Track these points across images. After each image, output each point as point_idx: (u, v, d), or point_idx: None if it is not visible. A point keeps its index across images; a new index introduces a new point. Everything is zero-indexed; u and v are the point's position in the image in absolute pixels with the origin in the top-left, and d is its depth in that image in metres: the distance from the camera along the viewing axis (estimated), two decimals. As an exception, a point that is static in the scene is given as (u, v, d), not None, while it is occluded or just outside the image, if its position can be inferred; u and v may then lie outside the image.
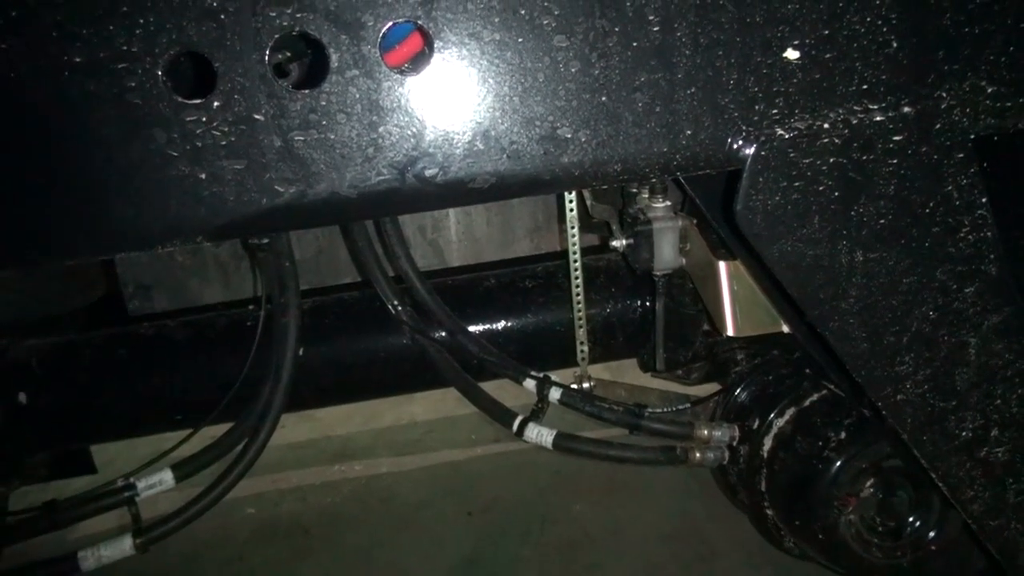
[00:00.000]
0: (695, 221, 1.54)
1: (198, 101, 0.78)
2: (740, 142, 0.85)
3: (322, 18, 0.78)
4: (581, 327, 1.83)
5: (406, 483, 2.58)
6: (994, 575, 1.44)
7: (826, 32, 0.83)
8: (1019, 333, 0.95)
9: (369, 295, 1.88)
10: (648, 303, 1.92)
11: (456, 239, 2.86)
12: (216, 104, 0.79)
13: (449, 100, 0.82)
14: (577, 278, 1.78)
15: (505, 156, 0.83)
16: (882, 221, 0.88)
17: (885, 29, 0.84)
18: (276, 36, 0.78)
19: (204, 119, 0.79)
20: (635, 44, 0.82)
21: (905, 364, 0.94)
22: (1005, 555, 1.03)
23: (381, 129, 0.82)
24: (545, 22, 0.81)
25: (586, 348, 1.84)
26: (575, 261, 1.76)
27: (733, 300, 1.43)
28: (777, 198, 0.86)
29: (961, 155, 0.88)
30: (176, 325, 1.91)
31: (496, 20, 0.80)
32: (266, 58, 0.78)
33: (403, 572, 2.12)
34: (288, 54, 0.87)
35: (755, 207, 0.86)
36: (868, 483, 1.43)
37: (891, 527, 1.45)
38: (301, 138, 0.80)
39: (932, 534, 1.45)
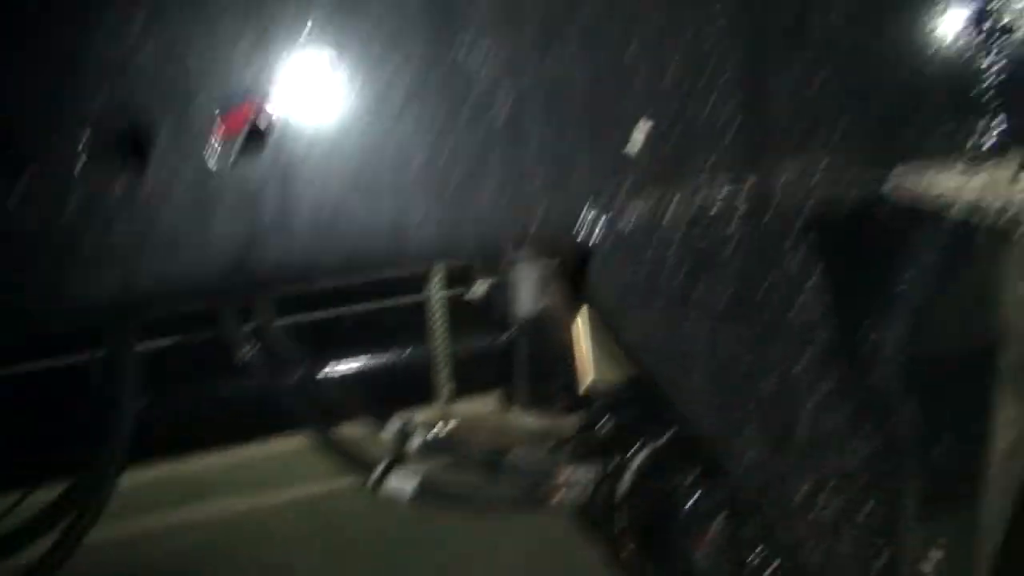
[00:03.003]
0: (555, 267, 1.54)
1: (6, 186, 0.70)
2: (591, 220, 0.85)
3: (148, 102, 0.71)
4: (444, 365, 1.80)
5: (265, 521, 2.46)
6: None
7: (674, 110, 0.85)
8: (851, 395, 1.00)
9: (215, 337, 1.77)
10: (509, 339, 1.91)
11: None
12: (25, 191, 0.70)
13: (289, 182, 0.77)
14: (439, 316, 1.76)
15: (352, 237, 0.79)
16: (726, 295, 0.91)
17: (726, 109, 0.86)
18: (94, 119, 0.70)
19: (14, 206, 0.70)
20: (488, 123, 0.80)
21: (750, 431, 0.97)
22: (841, 599, 1.09)
23: (218, 213, 0.75)
24: (395, 98, 0.77)
25: (448, 386, 1.82)
26: (437, 299, 1.73)
27: (592, 347, 1.45)
28: (628, 274, 0.87)
29: (798, 232, 0.91)
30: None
31: (340, 99, 0.76)
32: (83, 143, 0.70)
33: (262, 620, 2.02)
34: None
35: (607, 284, 0.87)
36: (721, 518, 1.48)
37: (738, 561, 1.50)
38: (124, 227, 0.73)
39: (776, 564, 1.52)
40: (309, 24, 0.74)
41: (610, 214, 0.85)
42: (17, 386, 1.73)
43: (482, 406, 2.08)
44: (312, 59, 0.75)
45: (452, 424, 1.80)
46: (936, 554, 1.12)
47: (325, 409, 1.76)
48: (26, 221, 0.71)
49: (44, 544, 1.57)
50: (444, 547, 2.26)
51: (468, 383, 1.92)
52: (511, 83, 0.80)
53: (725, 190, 0.88)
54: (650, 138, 0.85)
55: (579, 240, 0.86)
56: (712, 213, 0.88)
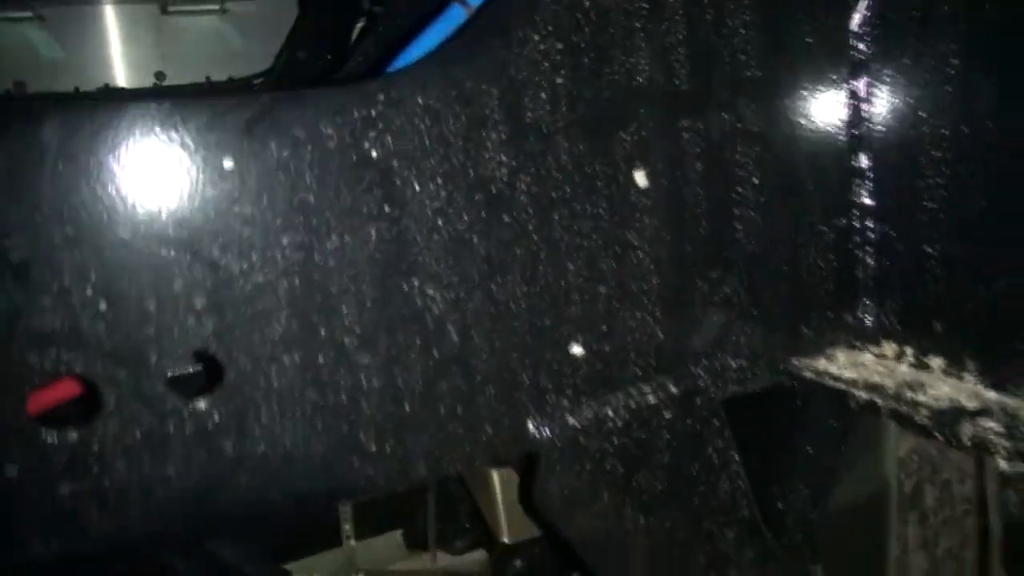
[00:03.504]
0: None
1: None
2: (535, 432, 0.89)
3: (94, 356, 0.70)
4: (346, 508, 1.76)
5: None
6: None
7: (603, 327, 0.91)
8: (767, 561, 1.08)
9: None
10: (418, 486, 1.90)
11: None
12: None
13: (243, 425, 0.76)
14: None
15: (308, 476, 0.79)
16: (659, 487, 0.97)
17: (651, 322, 0.94)
18: (38, 376, 0.68)
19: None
20: (436, 353, 0.83)
21: (683, 607, 1.03)
22: None
23: (167, 467, 0.74)
24: (347, 340, 0.79)
25: (352, 530, 1.78)
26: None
27: (507, 508, 1.47)
28: (570, 479, 0.91)
29: (717, 422, 1.00)
30: None
31: (294, 341, 0.77)
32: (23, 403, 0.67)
33: None
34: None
35: (550, 490, 0.91)
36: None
37: None
38: (68, 488, 0.70)
39: None
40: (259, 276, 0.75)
41: (553, 425, 0.90)
42: None
43: (387, 546, 2.04)
44: (263, 309, 0.76)
45: (359, 574, 1.76)
46: None
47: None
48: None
49: None
50: None
51: (372, 525, 1.88)
52: (457, 318, 0.84)
53: (652, 395, 0.95)
54: (585, 355, 0.91)
55: (525, 449, 0.89)
56: (643, 416, 0.94)
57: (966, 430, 0.86)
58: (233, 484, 0.77)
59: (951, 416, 0.89)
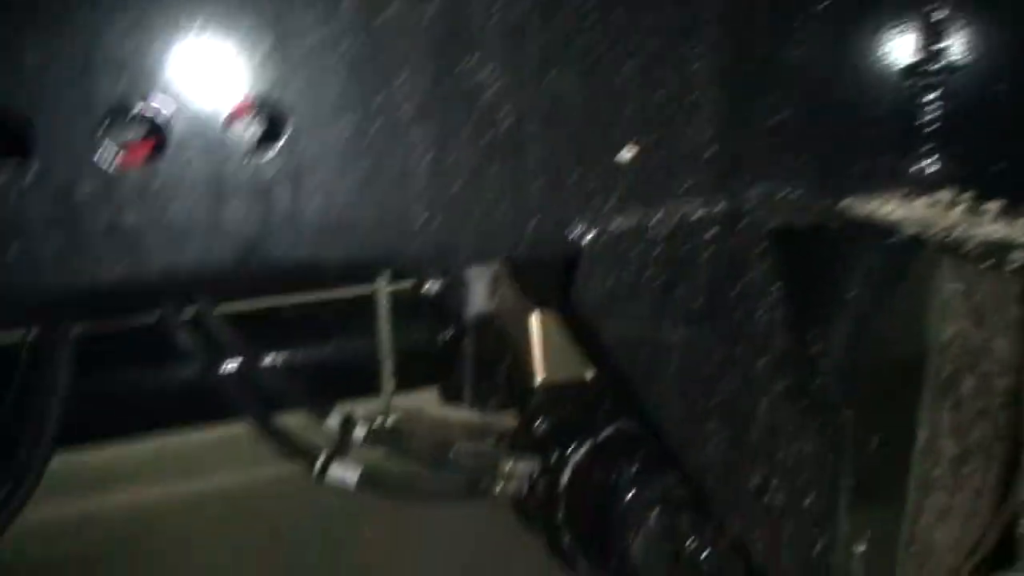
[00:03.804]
0: (508, 268, 1.59)
1: (10, 167, 0.69)
2: (580, 231, 0.90)
3: (162, 88, 0.72)
4: (387, 360, 1.81)
5: (178, 513, 2.39)
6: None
7: (656, 136, 0.91)
8: (799, 396, 1.10)
9: (153, 323, 1.73)
10: (451, 335, 1.95)
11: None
12: (32, 172, 0.69)
13: (299, 181, 0.78)
14: (385, 309, 1.77)
15: (356, 240, 0.81)
16: (697, 303, 0.98)
17: (705, 136, 0.93)
18: (108, 104, 0.70)
19: (18, 186, 0.69)
20: (487, 136, 0.84)
21: (710, 427, 1.05)
22: (779, 584, 1.18)
23: (224, 209, 0.76)
24: (402, 109, 0.80)
25: (391, 381, 1.83)
26: (383, 292, 1.74)
27: (543, 348, 1.50)
28: (610, 283, 0.93)
29: (761, 246, 1.00)
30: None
31: (352, 103, 0.78)
32: (96, 125, 0.70)
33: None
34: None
35: (590, 290, 0.92)
36: (656, 511, 1.57)
37: (674, 550, 1.59)
38: (133, 216, 0.73)
39: (705, 555, 1.61)
40: (322, 33, 0.76)
41: (598, 225, 0.90)
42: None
43: (424, 401, 2.10)
44: (325, 65, 0.77)
45: (394, 417, 1.82)
46: (863, 543, 1.23)
47: (266, 398, 1.75)
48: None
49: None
50: (370, 543, 2.26)
51: (411, 377, 1.94)
52: (513, 101, 0.84)
53: (699, 210, 0.95)
54: (636, 160, 0.91)
55: (568, 247, 0.91)
56: (688, 229, 0.95)
57: (1017, 256, 0.85)
58: (285, 238, 0.79)
59: (1001, 246, 0.87)
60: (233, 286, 0.79)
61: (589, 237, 0.90)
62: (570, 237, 0.90)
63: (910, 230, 0.95)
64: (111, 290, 0.74)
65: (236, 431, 2.61)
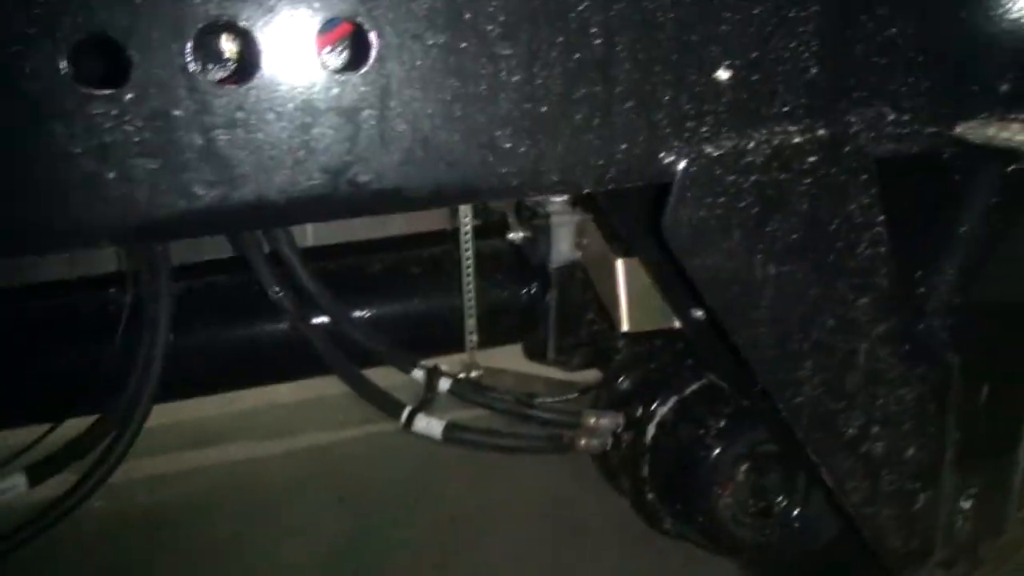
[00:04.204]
0: (592, 215, 1.56)
1: (108, 92, 0.70)
2: (672, 157, 0.87)
3: (252, 8, 0.72)
4: (471, 315, 1.82)
5: (270, 469, 2.48)
6: (840, 545, 1.59)
7: (754, 55, 0.86)
8: (901, 341, 1.04)
9: (246, 279, 1.78)
10: (534, 291, 1.94)
11: (327, 216, 2.75)
12: (129, 96, 0.71)
13: (387, 103, 0.78)
14: (469, 265, 1.77)
15: (443, 164, 0.81)
16: (794, 236, 0.93)
17: (806, 56, 0.88)
18: (200, 25, 0.71)
19: (114, 112, 0.71)
20: (577, 56, 0.81)
21: (805, 369, 1.00)
22: (876, 538, 1.13)
23: (314, 131, 0.76)
24: (490, 28, 0.78)
25: (475, 336, 1.84)
26: (467, 248, 1.75)
27: (629, 297, 1.47)
28: (702, 213, 0.89)
29: (865, 176, 0.94)
30: (26, 307, 1.73)
31: (440, 22, 0.77)
32: (188, 48, 0.71)
33: (271, 563, 2.05)
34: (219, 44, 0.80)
35: (682, 220, 0.89)
36: (743, 468, 1.53)
37: (762, 507, 1.55)
38: (225, 137, 0.74)
39: (796, 512, 1.57)
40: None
41: (690, 151, 0.87)
42: (48, 318, 1.73)
43: (509, 356, 2.11)
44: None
45: (479, 371, 1.83)
46: (968, 501, 1.17)
47: (353, 353, 1.79)
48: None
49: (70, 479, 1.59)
50: (450, 499, 2.29)
51: (496, 333, 1.94)
52: (603, 19, 0.81)
53: (799, 136, 0.90)
54: (731, 82, 0.87)
55: (660, 175, 0.88)
56: (786, 156, 0.90)
57: None
58: (373, 162, 0.79)
59: None
60: (322, 210, 0.79)
61: (681, 164, 0.87)
62: (662, 164, 0.86)
63: (1030, 157, 0.87)
64: (203, 213, 0.75)
65: (326, 391, 2.70)
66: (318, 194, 0.78)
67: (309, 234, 2.78)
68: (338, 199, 0.79)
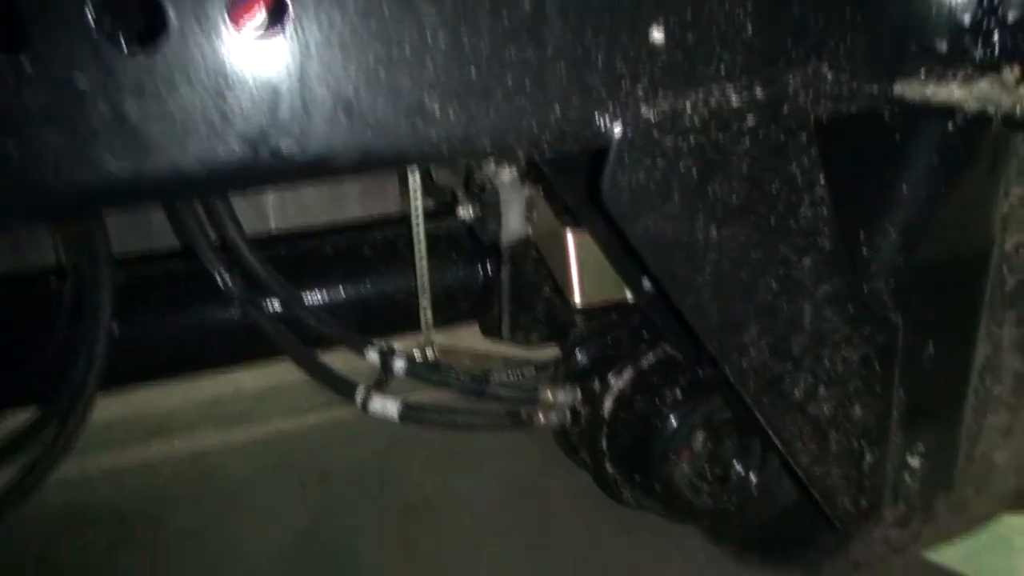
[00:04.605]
0: (541, 189, 1.54)
1: (5, 57, 0.66)
2: (607, 121, 0.85)
3: (161, -28, 0.69)
4: (425, 295, 1.79)
5: (234, 458, 2.45)
6: (799, 510, 1.61)
7: (689, 15, 0.85)
8: (845, 300, 1.03)
9: (192, 265, 1.74)
10: (488, 269, 1.92)
11: (281, 201, 2.71)
12: (28, 62, 0.67)
13: (307, 68, 0.75)
14: (421, 245, 1.74)
15: (369, 130, 0.78)
16: (735, 199, 0.92)
17: (742, 14, 0.86)
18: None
19: (13, 79, 0.67)
20: (506, 17, 0.79)
21: (750, 333, 1.00)
22: (826, 498, 1.14)
23: (230, 98, 0.73)
24: (415, -7, 0.76)
25: (430, 316, 1.82)
26: (418, 228, 1.72)
27: (580, 270, 1.46)
28: (641, 177, 0.87)
29: (804, 136, 0.93)
30: (-39, 303, 1.67)
31: (360, -14, 0.74)
32: (90, 11, 0.67)
33: (235, 552, 2.03)
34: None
35: (620, 186, 0.87)
36: (700, 436, 1.53)
37: (719, 475, 1.56)
38: (136, 106, 0.71)
39: (753, 478, 1.57)
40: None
41: (626, 114, 0.85)
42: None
43: (464, 335, 2.10)
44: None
45: (435, 350, 1.81)
46: (915, 459, 1.18)
47: (306, 336, 1.76)
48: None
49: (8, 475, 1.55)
50: (414, 482, 2.28)
51: (451, 312, 1.92)
52: (532, -21, 0.79)
53: (737, 96, 0.89)
54: (666, 42, 0.85)
55: (595, 139, 0.86)
56: (724, 117, 0.88)
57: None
58: (295, 129, 0.76)
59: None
60: (244, 180, 0.76)
61: (617, 128, 0.85)
62: (598, 127, 0.84)
63: (973, 108, 0.87)
64: (116, 186, 0.71)
65: (288, 378, 2.66)
66: (238, 164, 0.75)
67: (272, 219, 2.75)
68: (260, 168, 0.76)
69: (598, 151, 0.87)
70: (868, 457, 1.13)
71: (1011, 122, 0.82)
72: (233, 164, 0.75)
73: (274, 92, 0.75)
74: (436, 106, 0.79)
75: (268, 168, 0.76)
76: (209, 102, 0.73)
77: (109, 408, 2.56)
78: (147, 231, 2.41)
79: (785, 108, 0.91)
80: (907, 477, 1.18)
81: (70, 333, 1.59)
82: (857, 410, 1.09)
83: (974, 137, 1.01)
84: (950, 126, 0.97)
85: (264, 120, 0.75)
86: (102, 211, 0.69)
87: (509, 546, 2.01)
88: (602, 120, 0.85)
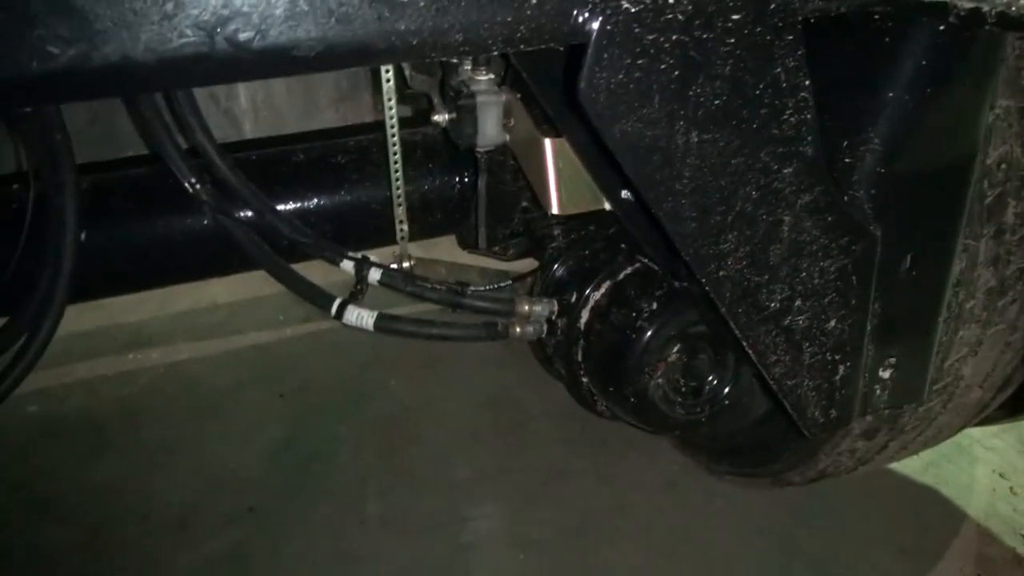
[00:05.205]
0: (519, 95, 1.49)
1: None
2: (586, 15, 0.80)
3: None
4: (400, 205, 1.76)
5: (210, 369, 2.45)
6: (769, 420, 1.63)
7: (673, -100, 0.80)
8: (825, 211, 1.02)
9: (160, 171, 1.69)
10: (466, 179, 1.88)
11: (253, 108, 2.63)
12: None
13: (266, -48, 0.70)
14: (395, 153, 1.70)
15: (334, 20, 0.73)
16: (716, 102, 0.89)
17: (728, -97, 0.81)
18: None
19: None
20: (480, -101, 0.74)
21: (728, 242, 0.98)
22: (798, 409, 1.15)
23: (184, -18, 0.69)
24: None
25: (405, 227, 1.79)
26: (393, 135, 1.67)
27: (558, 178, 1.43)
28: (620, 76, 0.84)
29: (791, 37, 0.89)
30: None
31: None
32: None
33: (213, 460, 2.04)
34: None
35: (598, 84, 0.83)
36: (675, 348, 1.53)
37: (693, 387, 1.57)
38: (80, -8, 0.66)
39: (726, 390, 1.59)
40: None
41: (606, 9, 0.81)
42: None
43: (441, 249, 2.07)
44: None
45: (410, 262, 1.79)
46: (887, 371, 1.18)
47: (279, 247, 1.72)
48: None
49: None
50: (393, 394, 2.30)
51: (428, 224, 1.89)
52: None
53: (721, -10, 0.84)
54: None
55: (572, 35, 0.81)
56: (708, 13, 0.84)
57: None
58: (254, 16, 0.71)
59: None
60: (200, 72, 0.71)
61: (597, 22, 0.81)
62: (576, 22, 0.80)
63: (967, 5, 0.83)
64: (61, 75, 0.67)
65: (265, 291, 2.64)
66: (193, 53, 0.71)
67: (245, 127, 2.67)
68: (217, 59, 0.71)
69: (576, 49, 0.83)
70: (841, 369, 1.14)
71: (1005, 21, 0.78)
72: (188, 54, 0.70)
73: (231, -23, 0.70)
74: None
75: (226, 59, 0.71)
76: (160, -17, 0.68)
77: (83, 319, 2.55)
78: (115, 138, 2.33)
79: (772, 5, 0.87)
80: (877, 389, 1.19)
81: (35, 241, 1.55)
82: (832, 322, 1.09)
83: (964, 42, 0.97)
84: (941, 28, 0.93)
85: (220, 5, 0.70)
86: (49, 103, 0.65)
87: (485, 457, 2.04)
88: (581, 14, 0.80)
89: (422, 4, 0.75)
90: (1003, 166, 1.26)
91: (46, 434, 2.15)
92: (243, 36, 0.71)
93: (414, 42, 0.77)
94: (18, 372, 1.50)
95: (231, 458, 2.04)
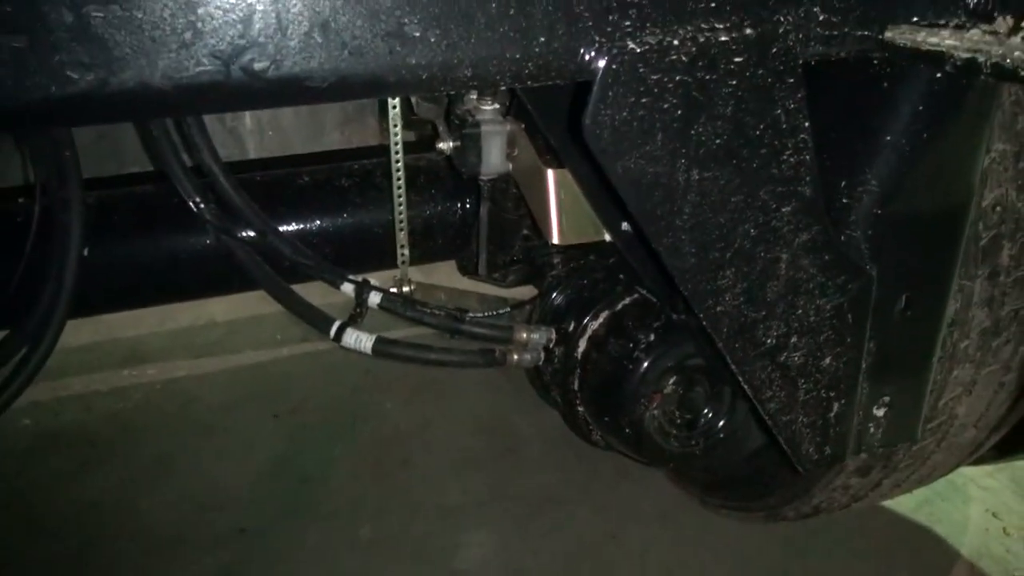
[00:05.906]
0: (523, 126, 1.52)
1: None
2: (592, 53, 0.83)
3: None
4: (402, 229, 1.78)
5: (206, 387, 2.45)
6: (763, 455, 1.64)
7: (680, -54, 0.82)
8: (823, 250, 1.03)
9: (165, 190, 1.70)
10: (468, 206, 1.90)
11: (258, 128, 2.66)
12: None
13: (284, -13, 0.72)
14: (399, 178, 1.72)
15: (347, 52, 0.75)
16: (718, 141, 0.91)
17: (732, -48, 0.84)
18: None
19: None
20: (492, -58, 0.76)
21: (726, 278, 0.99)
22: (792, 445, 1.15)
23: (201, 10, 0.70)
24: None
25: (407, 251, 1.80)
26: (397, 161, 1.69)
27: (559, 208, 1.45)
28: (624, 113, 0.85)
29: (791, 80, 0.91)
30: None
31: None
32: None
33: (207, 479, 2.04)
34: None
35: (603, 121, 0.85)
36: (671, 380, 1.54)
37: (688, 419, 1.58)
38: (99, 15, 0.67)
39: (721, 423, 1.60)
40: None
41: (612, 47, 0.83)
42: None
43: (439, 272, 2.09)
44: None
45: (410, 286, 1.80)
46: (881, 409, 1.19)
47: (280, 268, 1.74)
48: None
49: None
50: (388, 416, 2.30)
51: (428, 249, 1.90)
52: None
53: (725, 34, 0.86)
54: (655, -26, 0.82)
55: (579, 72, 0.83)
56: (711, 56, 0.86)
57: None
58: (269, 47, 0.73)
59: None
60: (215, 100, 0.73)
61: (603, 61, 0.83)
62: (583, 60, 0.82)
63: (963, 56, 0.85)
64: (79, 99, 0.69)
65: (264, 309, 2.65)
66: (209, 81, 0.72)
67: (249, 147, 2.69)
68: (232, 87, 0.73)
69: (582, 86, 0.85)
70: (835, 406, 1.15)
71: (1001, 72, 0.80)
72: (204, 82, 0.72)
73: (247, 5, 0.71)
74: (416, 30, 0.76)
75: (241, 87, 0.73)
76: (178, 14, 0.70)
77: (80, 333, 2.55)
78: (121, 155, 2.35)
79: (774, 48, 0.89)
80: (871, 427, 1.20)
81: (39, 254, 1.56)
82: (827, 359, 1.10)
83: (961, 89, 0.99)
84: (938, 76, 0.96)
85: (237, 35, 0.72)
86: (66, 126, 0.66)
87: (479, 482, 2.04)
88: (588, 52, 0.82)
89: (433, 39, 0.77)
90: (998, 209, 1.28)
91: (39, 448, 2.15)
92: (258, 66, 0.73)
93: (424, 76, 0.78)
94: (17, 385, 1.50)
95: (224, 477, 2.04)
